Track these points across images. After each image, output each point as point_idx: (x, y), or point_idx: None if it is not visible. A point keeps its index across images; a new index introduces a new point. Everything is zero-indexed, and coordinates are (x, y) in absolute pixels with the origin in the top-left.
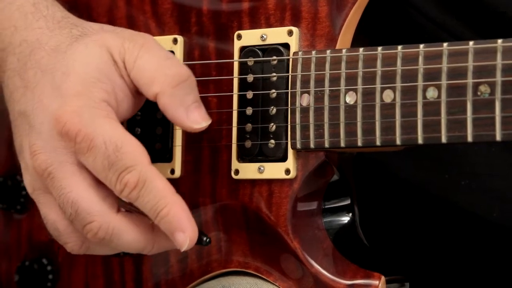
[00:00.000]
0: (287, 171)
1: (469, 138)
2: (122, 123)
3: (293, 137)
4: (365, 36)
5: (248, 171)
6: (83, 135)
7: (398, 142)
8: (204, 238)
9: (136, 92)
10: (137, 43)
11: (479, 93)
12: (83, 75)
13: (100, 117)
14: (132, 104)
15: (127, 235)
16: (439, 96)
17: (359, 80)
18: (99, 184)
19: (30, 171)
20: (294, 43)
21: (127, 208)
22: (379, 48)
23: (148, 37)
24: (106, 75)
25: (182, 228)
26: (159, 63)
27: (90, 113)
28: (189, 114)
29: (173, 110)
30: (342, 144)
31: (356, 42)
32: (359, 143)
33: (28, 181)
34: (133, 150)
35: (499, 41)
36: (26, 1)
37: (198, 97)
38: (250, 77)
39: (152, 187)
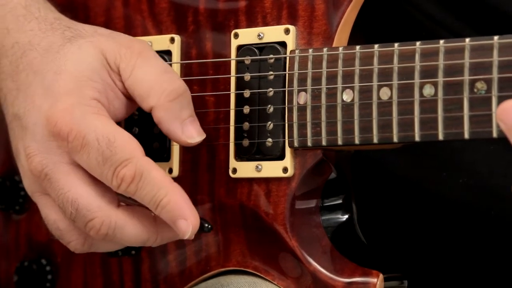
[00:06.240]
0: (285, 170)
1: (466, 135)
2: (119, 123)
3: (291, 136)
4: (362, 34)
5: (245, 169)
6: (75, 133)
7: (395, 139)
8: (206, 225)
9: (129, 96)
10: (134, 50)
11: (475, 90)
12: (74, 74)
13: (91, 114)
14: (124, 106)
15: (129, 229)
16: (435, 93)
17: (356, 78)
18: (96, 180)
19: (27, 174)
20: (291, 41)
21: (128, 202)
22: (376, 46)
23: (146, 45)
24: (98, 74)
25: (184, 215)
26: (157, 75)
27: (81, 110)
28: (184, 129)
29: (168, 124)
30: (340, 142)
31: (353, 39)
32: (356, 141)
33: (27, 184)
34: (127, 143)
35: (496, 37)
36: (18, 3)
37: (193, 111)
38: (247, 76)
39: (150, 179)
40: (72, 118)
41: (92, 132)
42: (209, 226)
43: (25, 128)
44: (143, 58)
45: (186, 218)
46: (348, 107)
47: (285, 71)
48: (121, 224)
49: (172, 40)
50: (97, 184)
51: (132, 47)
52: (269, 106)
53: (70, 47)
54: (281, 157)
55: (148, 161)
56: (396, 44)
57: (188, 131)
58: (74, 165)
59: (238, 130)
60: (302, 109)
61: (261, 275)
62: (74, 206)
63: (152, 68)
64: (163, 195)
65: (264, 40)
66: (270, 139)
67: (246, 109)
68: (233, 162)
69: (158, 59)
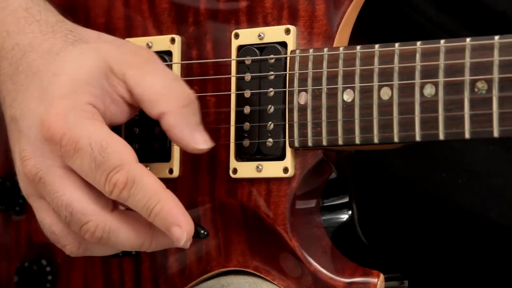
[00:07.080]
0: (285, 170)
1: (467, 135)
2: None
3: (291, 136)
4: (362, 34)
5: (246, 170)
6: (68, 138)
7: (396, 139)
8: (202, 231)
9: (130, 103)
10: (142, 57)
11: (476, 90)
12: (72, 76)
13: (85, 119)
14: (122, 112)
15: (124, 233)
16: (436, 93)
17: (357, 78)
18: (90, 184)
19: (22, 177)
20: (291, 41)
21: (126, 206)
22: (376, 46)
23: (152, 52)
24: (97, 80)
25: (178, 222)
26: (168, 82)
27: (75, 115)
28: (194, 136)
29: (179, 130)
30: (340, 142)
31: (353, 40)
32: (357, 141)
33: (22, 187)
34: (119, 149)
35: (496, 37)
36: (19, 6)
37: (200, 120)
38: (247, 76)
39: (142, 185)
40: (65, 122)
41: (85, 138)
42: (205, 233)
43: (20, 131)
44: (151, 65)
45: (180, 225)
46: (348, 107)
47: (286, 71)
48: (115, 228)
49: (172, 41)
50: (91, 188)
51: (139, 54)
52: (270, 106)
53: (72, 50)
54: (282, 157)
55: (141, 168)
56: (396, 44)
57: (198, 138)
58: (67, 169)
59: (238, 130)
60: (302, 109)
61: (262, 275)
62: (68, 210)
63: (162, 74)
64: (156, 202)
65: (264, 40)
66: (270, 139)
67: (247, 109)
68: (233, 162)
69: (166, 67)
